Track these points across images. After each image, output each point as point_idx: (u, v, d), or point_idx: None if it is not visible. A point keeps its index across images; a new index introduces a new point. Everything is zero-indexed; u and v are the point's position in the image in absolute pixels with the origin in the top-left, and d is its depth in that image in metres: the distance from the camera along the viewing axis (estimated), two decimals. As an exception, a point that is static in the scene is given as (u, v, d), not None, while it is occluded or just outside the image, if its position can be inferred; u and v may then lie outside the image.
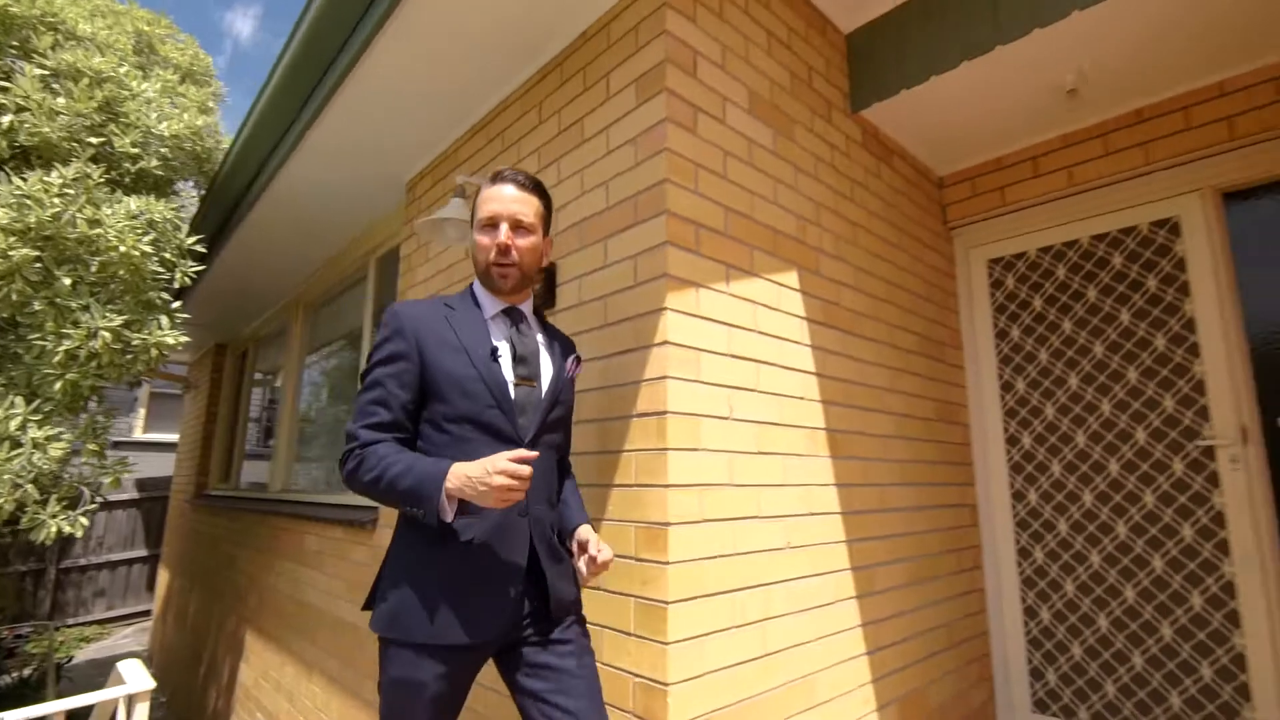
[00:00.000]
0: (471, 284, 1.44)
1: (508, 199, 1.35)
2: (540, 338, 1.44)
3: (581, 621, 1.40)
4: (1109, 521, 2.60)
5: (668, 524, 1.58)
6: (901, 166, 2.85)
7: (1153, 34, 2.20)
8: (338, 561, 3.28)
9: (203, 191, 4.31)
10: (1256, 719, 2.21)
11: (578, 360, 1.49)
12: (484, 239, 1.35)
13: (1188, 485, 2.42)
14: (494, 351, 1.32)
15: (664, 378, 1.65)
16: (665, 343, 1.66)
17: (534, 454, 1.17)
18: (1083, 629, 2.63)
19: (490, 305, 1.39)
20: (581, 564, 1.35)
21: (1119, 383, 2.62)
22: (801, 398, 2.04)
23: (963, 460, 2.92)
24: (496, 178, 1.38)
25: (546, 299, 2.07)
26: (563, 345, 1.49)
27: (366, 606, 1.32)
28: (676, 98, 1.81)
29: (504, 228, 1.33)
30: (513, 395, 1.31)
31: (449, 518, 1.18)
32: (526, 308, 1.44)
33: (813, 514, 2.01)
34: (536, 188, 1.40)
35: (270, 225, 3.85)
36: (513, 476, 1.12)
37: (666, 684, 1.51)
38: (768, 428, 1.90)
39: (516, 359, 1.35)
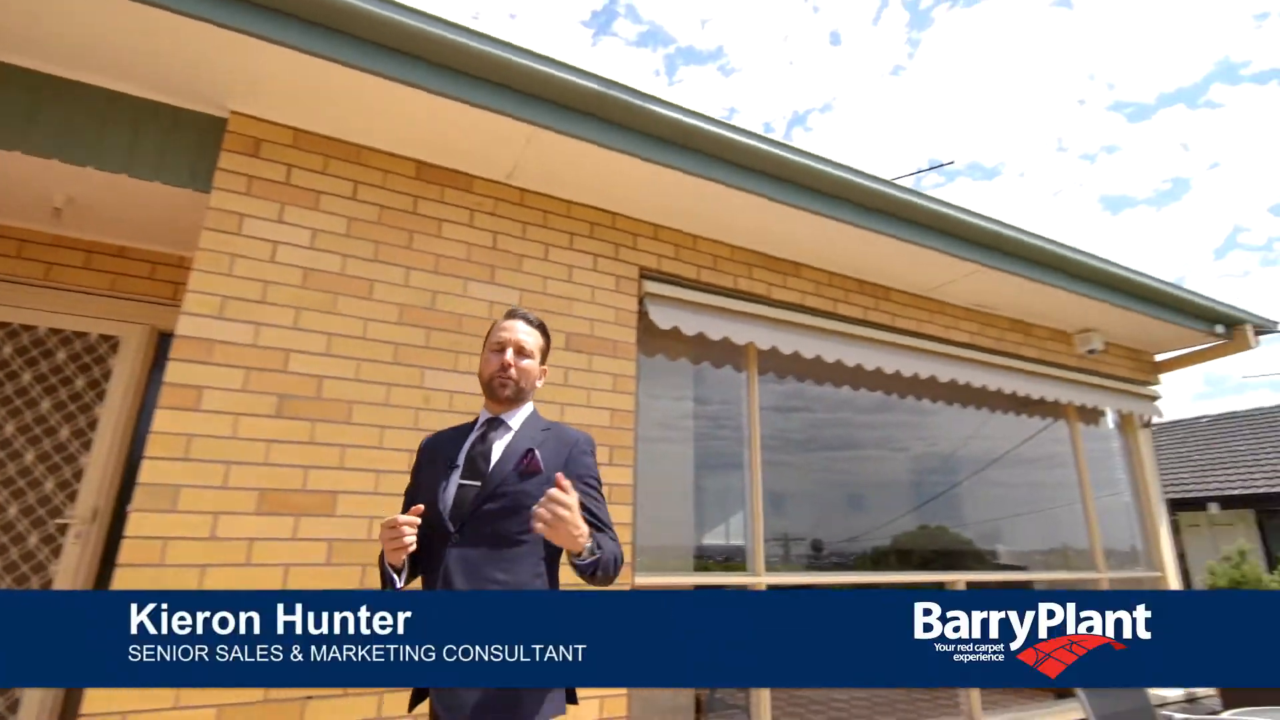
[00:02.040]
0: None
1: (517, 330, 1.65)
2: (507, 439, 1.58)
3: None
4: (-56, 591, 2.71)
5: None
6: None
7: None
8: None
9: None
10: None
11: (529, 452, 1.54)
12: (493, 358, 1.63)
13: (35, 556, 2.87)
14: (450, 460, 1.55)
15: None
16: None
17: (418, 510, 1.36)
18: None
19: (483, 418, 1.64)
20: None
21: (15, 461, 2.91)
22: None
23: None
24: (510, 315, 1.69)
25: None
26: (550, 442, 1.60)
27: None
28: None
29: (510, 351, 1.61)
30: (452, 497, 1.49)
31: (399, 582, 1.40)
32: (513, 416, 1.63)
33: None
34: (540, 326, 1.71)
35: None
36: (386, 526, 1.34)
37: None
38: None
39: (466, 461, 1.54)
